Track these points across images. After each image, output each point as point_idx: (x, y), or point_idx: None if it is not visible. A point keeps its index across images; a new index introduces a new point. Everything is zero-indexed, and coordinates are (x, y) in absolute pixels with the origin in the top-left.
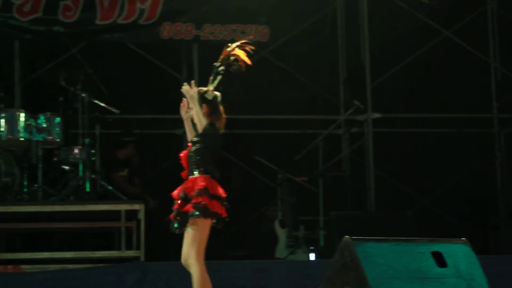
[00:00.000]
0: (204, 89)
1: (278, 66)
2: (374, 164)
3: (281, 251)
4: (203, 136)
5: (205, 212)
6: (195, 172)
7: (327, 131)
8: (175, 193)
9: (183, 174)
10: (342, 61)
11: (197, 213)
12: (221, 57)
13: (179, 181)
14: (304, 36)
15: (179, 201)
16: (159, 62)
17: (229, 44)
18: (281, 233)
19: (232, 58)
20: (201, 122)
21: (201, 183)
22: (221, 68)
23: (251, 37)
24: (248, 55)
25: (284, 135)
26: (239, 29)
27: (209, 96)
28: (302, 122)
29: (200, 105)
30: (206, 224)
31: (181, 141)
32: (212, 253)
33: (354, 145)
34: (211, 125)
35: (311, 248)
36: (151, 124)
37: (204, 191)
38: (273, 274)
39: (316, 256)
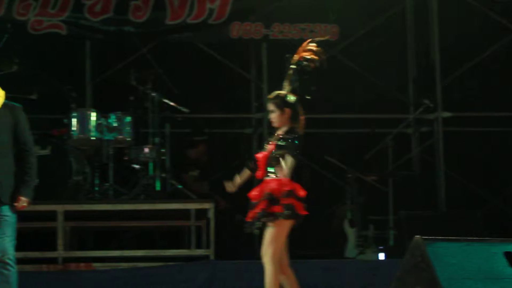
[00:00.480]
0: (283, 92)
1: (347, 65)
2: (444, 163)
3: (350, 250)
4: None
5: (294, 213)
6: (275, 175)
7: (396, 130)
8: (254, 193)
9: (259, 174)
10: (411, 59)
11: (286, 213)
12: (296, 58)
13: (248, 181)
14: (373, 34)
15: (263, 201)
16: (228, 62)
17: (304, 46)
18: (351, 233)
19: (306, 60)
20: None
21: (289, 185)
22: (296, 68)
23: (325, 37)
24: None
25: (354, 134)
26: (308, 28)
27: (290, 100)
28: (372, 121)
29: (283, 110)
30: (287, 225)
31: (250, 140)
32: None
33: (424, 144)
34: (292, 131)
35: (381, 247)
36: (220, 124)
37: (292, 193)
38: (343, 273)
39: (385, 256)
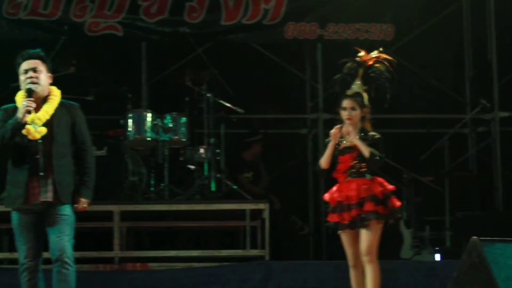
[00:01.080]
0: (358, 90)
1: (403, 65)
2: (501, 164)
3: (406, 251)
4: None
5: (394, 214)
6: (367, 175)
7: (453, 130)
8: (335, 195)
9: (340, 176)
10: (468, 58)
11: (396, 214)
12: (368, 61)
13: (303, 181)
14: (429, 33)
15: (368, 202)
16: (283, 62)
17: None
18: (407, 234)
19: (376, 63)
20: (367, 151)
21: (388, 186)
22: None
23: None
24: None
25: (409, 134)
26: (363, 28)
27: (366, 101)
28: (428, 121)
29: (362, 109)
30: (382, 225)
31: (305, 140)
32: (339, 253)
33: (480, 144)
34: (364, 131)
35: (437, 248)
36: (275, 124)
37: (391, 193)
38: (399, 274)
39: (441, 257)
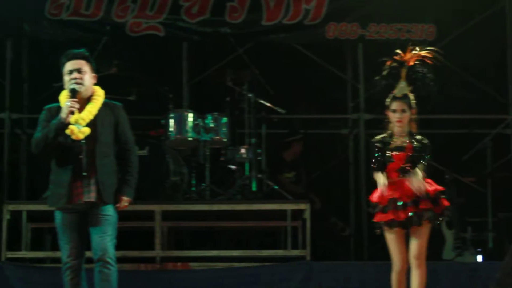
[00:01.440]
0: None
1: (445, 65)
2: None
3: (448, 252)
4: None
5: (445, 214)
6: (420, 174)
7: (495, 131)
8: (388, 193)
9: (393, 174)
10: (510, 58)
11: (442, 214)
12: (409, 61)
13: (344, 181)
14: (471, 34)
15: (425, 201)
16: (324, 62)
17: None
18: (448, 235)
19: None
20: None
21: (438, 186)
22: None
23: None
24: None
25: (452, 135)
26: (404, 28)
27: (413, 102)
28: (470, 122)
29: (411, 110)
30: (431, 226)
31: (346, 140)
32: (381, 254)
33: None
34: (412, 133)
35: (479, 250)
36: (316, 124)
37: (441, 193)
38: (440, 275)
39: (483, 258)
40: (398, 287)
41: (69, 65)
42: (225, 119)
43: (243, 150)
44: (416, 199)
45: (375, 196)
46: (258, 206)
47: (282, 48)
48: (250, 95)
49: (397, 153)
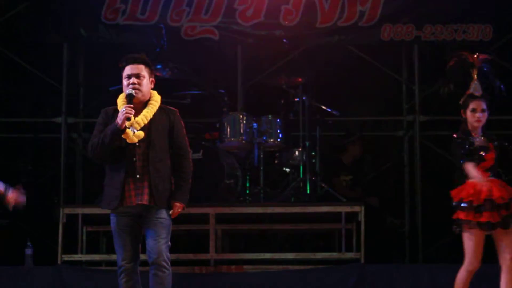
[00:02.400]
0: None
1: (502, 65)
2: None
3: None
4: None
5: None
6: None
7: None
8: (484, 193)
9: (484, 174)
10: None
11: None
12: (477, 62)
13: (399, 183)
14: None
15: (505, 203)
16: (378, 64)
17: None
18: None
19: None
20: None
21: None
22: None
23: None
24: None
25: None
26: (460, 28)
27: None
28: None
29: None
30: None
31: (402, 143)
32: (435, 256)
33: None
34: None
35: None
36: (371, 126)
37: None
38: None
39: None
40: (463, 287)
41: (128, 69)
42: (279, 122)
43: (297, 153)
44: (508, 202)
45: (465, 192)
46: (312, 209)
47: (337, 50)
48: (304, 97)
49: (485, 153)
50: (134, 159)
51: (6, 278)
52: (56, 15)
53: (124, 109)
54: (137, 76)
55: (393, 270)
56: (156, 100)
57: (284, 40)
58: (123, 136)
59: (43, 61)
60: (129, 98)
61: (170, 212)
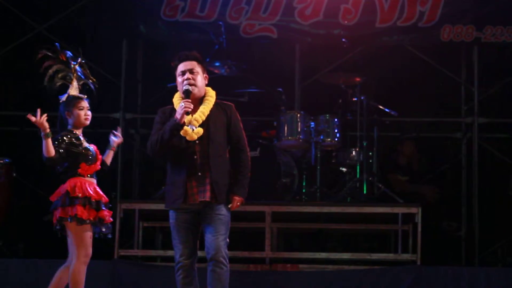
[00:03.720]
0: None
1: None
2: None
3: None
4: None
5: None
6: None
7: None
8: None
9: None
10: None
11: None
12: None
13: (456, 185)
14: None
15: None
16: (437, 65)
17: None
18: None
19: None
20: None
21: None
22: None
23: None
24: None
25: None
26: None
27: None
28: None
29: None
30: None
31: (459, 144)
32: (492, 259)
33: None
34: None
35: None
36: (428, 127)
37: None
38: None
39: None
40: None
41: (181, 66)
42: (336, 121)
43: (354, 153)
44: None
45: None
46: (368, 209)
47: (396, 50)
48: (362, 97)
49: None
50: (195, 156)
51: None
52: (116, 12)
53: (182, 104)
54: (191, 71)
55: (449, 273)
56: (211, 95)
57: (343, 40)
58: (182, 134)
59: (101, 57)
60: (186, 94)
61: (229, 206)
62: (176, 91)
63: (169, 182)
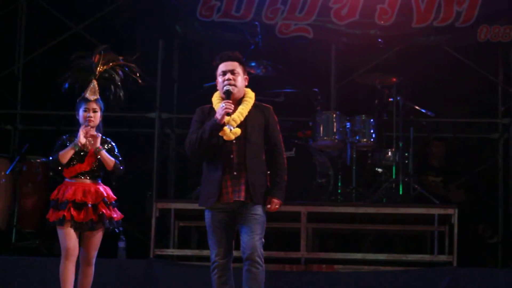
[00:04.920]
0: None
1: None
2: None
3: None
4: None
5: None
6: None
7: None
8: None
9: None
10: None
11: None
12: None
13: (492, 187)
14: None
15: None
16: (474, 65)
17: None
18: None
19: None
20: None
21: None
22: None
23: None
24: None
25: None
26: None
27: None
28: None
29: None
30: None
31: (496, 145)
32: None
33: None
34: None
35: None
36: (465, 128)
37: None
38: None
39: None
40: None
41: (222, 66)
42: (372, 122)
43: (390, 153)
44: None
45: None
46: (404, 210)
47: (432, 51)
48: (398, 98)
49: None
50: (231, 156)
51: (99, 270)
52: (152, 12)
53: (223, 105)
54: (232, 72)
55: (486, 275)
56: (250, 97)
57: (379, 40)
58: (220, 133)
59: (137, 57)
60: (227, 95)
61: (267, 207)
62: (212, 91)
63: (204, 180)
